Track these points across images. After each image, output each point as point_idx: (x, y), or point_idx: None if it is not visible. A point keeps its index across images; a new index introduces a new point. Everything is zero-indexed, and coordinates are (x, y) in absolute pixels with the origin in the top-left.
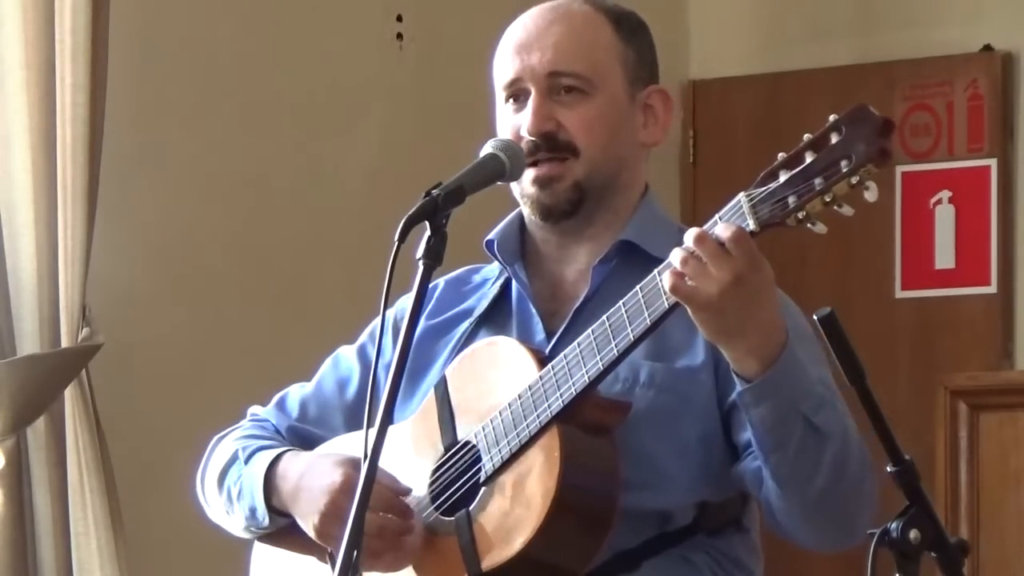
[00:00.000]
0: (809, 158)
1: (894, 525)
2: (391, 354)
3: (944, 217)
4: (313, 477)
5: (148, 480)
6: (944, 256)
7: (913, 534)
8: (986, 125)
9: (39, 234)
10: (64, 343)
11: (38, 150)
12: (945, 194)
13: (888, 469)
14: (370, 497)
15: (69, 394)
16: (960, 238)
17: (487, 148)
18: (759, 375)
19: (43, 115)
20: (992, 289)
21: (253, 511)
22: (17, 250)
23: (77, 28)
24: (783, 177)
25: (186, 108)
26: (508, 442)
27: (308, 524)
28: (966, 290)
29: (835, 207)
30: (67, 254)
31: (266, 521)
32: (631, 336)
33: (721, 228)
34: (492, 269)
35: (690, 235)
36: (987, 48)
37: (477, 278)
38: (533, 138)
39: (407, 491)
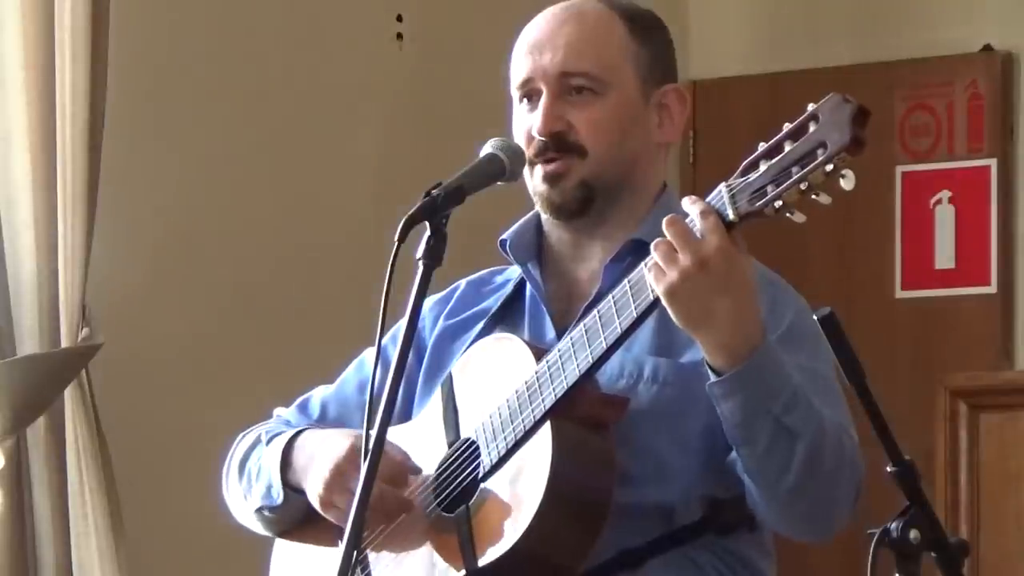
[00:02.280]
0: (788, 147)
1: (894, 525)
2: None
3: (944, 217)
4: (324, 448)
5: (148, 480)
6: (944, 256)
7: (913, 534)
8: (986, 125)
9: (39, 234)
10: (64, 343)
11: (38, 150)
12: (945, 194)
13: (888, 469)
14: (376, 471)
15: (69, 394)
16: (960, 238)
17: (487, 148)
18: (727, 370)
19: (43, 115)
20: (992, 289)
21: (269, 488)
22: (17, 250)
23: (77, 28)
24: (763, 167)
25: (186, 108)
26: (504, 438)
27: (315, 495)
28: (966, 290)
29: (812, 196)
30: (67, 254)
31: (280, 498)
32: (619, 328)
33: (695, 211)
34: (515, 270)
35: (665, 220)
36: (987, 48)
37: (499, 279)
38: (543, 138)
39: (417, 470)
